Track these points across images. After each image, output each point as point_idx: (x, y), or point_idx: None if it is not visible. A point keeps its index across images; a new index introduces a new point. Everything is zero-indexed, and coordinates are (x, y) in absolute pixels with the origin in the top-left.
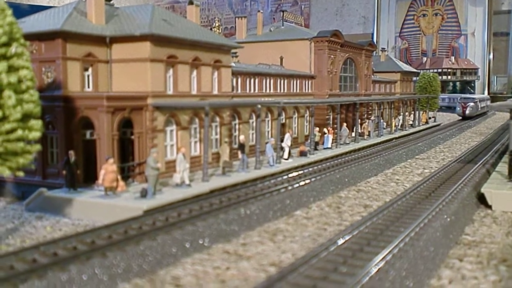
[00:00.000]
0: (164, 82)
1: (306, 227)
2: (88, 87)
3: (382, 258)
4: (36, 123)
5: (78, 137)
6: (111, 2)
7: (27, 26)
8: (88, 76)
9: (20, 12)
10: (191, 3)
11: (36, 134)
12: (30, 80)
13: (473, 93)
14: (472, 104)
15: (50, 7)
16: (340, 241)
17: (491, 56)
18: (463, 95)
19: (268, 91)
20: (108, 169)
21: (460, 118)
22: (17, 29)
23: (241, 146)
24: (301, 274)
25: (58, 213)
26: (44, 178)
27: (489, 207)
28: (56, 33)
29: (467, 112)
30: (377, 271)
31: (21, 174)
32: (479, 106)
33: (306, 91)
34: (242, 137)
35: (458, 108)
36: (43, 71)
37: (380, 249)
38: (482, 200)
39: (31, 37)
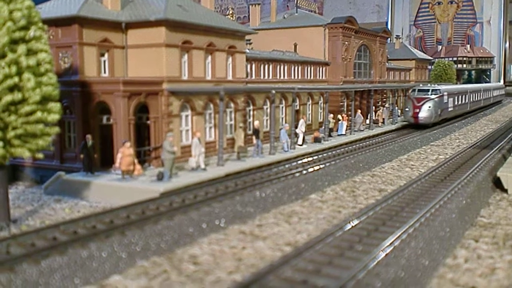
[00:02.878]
0: (179, 67)
1: (321, 209)
2: (104, 72)
3: (397, 237)
4: (55, 106)
5: (95, 121)
6: None
7: (44, 12)
8: (104, 61)
9: None
10: None
11: (55, 117)
12: (49, 63)
13: (489, 82)
14: (432, 102)
15: None
16: (355, 222)
17: (507, 45)
18: (420, 86)
19: (282, 77)
20: (125, 153)
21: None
22: (35, 13)
23: (256, 132)
24: (317, 252)
25: (76, 196)
26: (62, 162)
27: (505, 191)
28: (73, 18)
29: (420, 116)
30: (392, 249)
31: (40, 156)
32: (449, 106)
33: (320, 77)
34: (256, 123)
35: (407, 109)
36: (60, 57)
37: (395, 229)
38: (498, 184)
39: (48, 22)
